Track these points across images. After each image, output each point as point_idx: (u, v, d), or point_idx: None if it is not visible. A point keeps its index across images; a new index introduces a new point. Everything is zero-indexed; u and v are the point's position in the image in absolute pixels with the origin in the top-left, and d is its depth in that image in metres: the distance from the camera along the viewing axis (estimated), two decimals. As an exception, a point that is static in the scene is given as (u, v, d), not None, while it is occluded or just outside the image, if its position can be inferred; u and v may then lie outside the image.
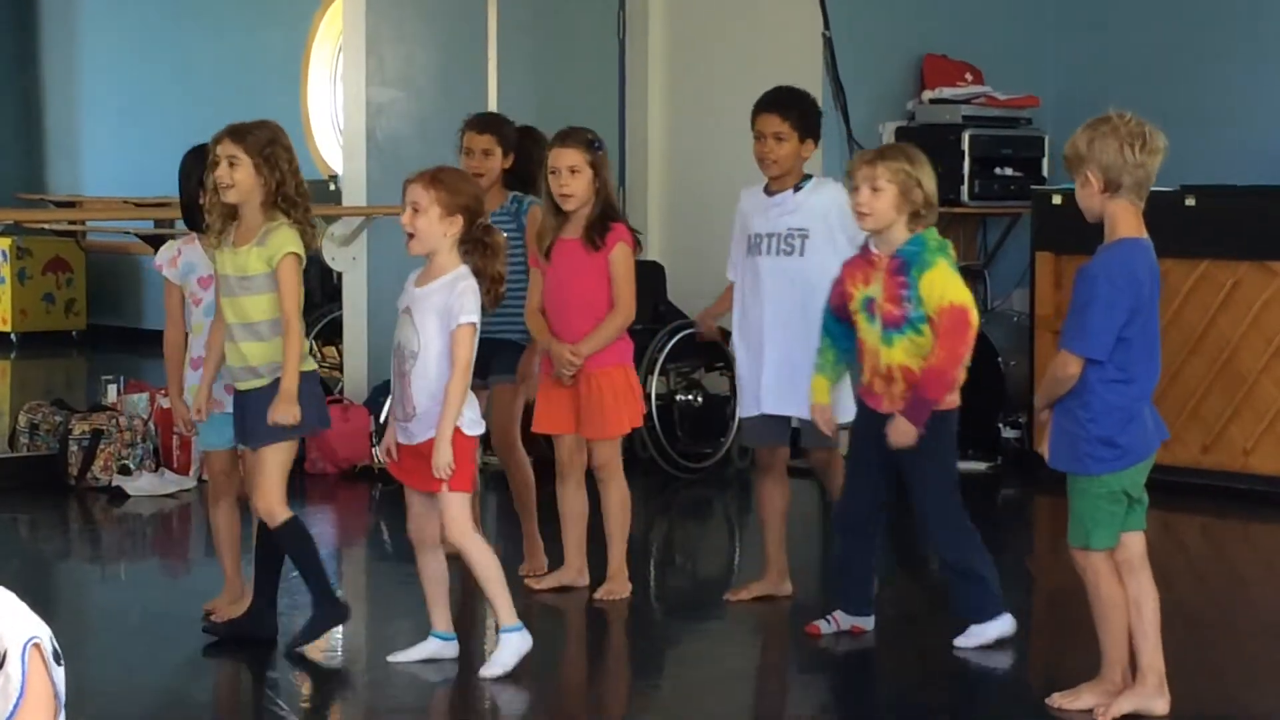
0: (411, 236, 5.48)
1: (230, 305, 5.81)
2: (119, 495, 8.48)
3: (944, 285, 5.59)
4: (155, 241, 12.98)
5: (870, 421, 5.77)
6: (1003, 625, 5.90)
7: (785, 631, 6.22)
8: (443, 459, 5.39)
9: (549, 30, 10.18)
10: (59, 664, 2.34)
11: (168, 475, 8.72)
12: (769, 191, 6.37)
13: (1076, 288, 4.94)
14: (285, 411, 5.70)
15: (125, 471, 8.65)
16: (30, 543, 7.85)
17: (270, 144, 5.78)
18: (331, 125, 13.36)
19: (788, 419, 6.36)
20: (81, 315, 15.03)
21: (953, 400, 5.73)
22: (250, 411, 5.82)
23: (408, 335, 5.48)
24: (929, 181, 5.68)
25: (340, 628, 6.02)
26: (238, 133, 5.78)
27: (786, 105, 6.36)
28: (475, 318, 5.44)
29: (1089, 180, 4.92)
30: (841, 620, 5.98)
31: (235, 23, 14.10)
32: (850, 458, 6.01)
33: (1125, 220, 4.91)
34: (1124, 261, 4.90)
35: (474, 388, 5.89)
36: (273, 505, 5.81)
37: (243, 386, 5.85)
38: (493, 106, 9.79)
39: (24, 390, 11.76)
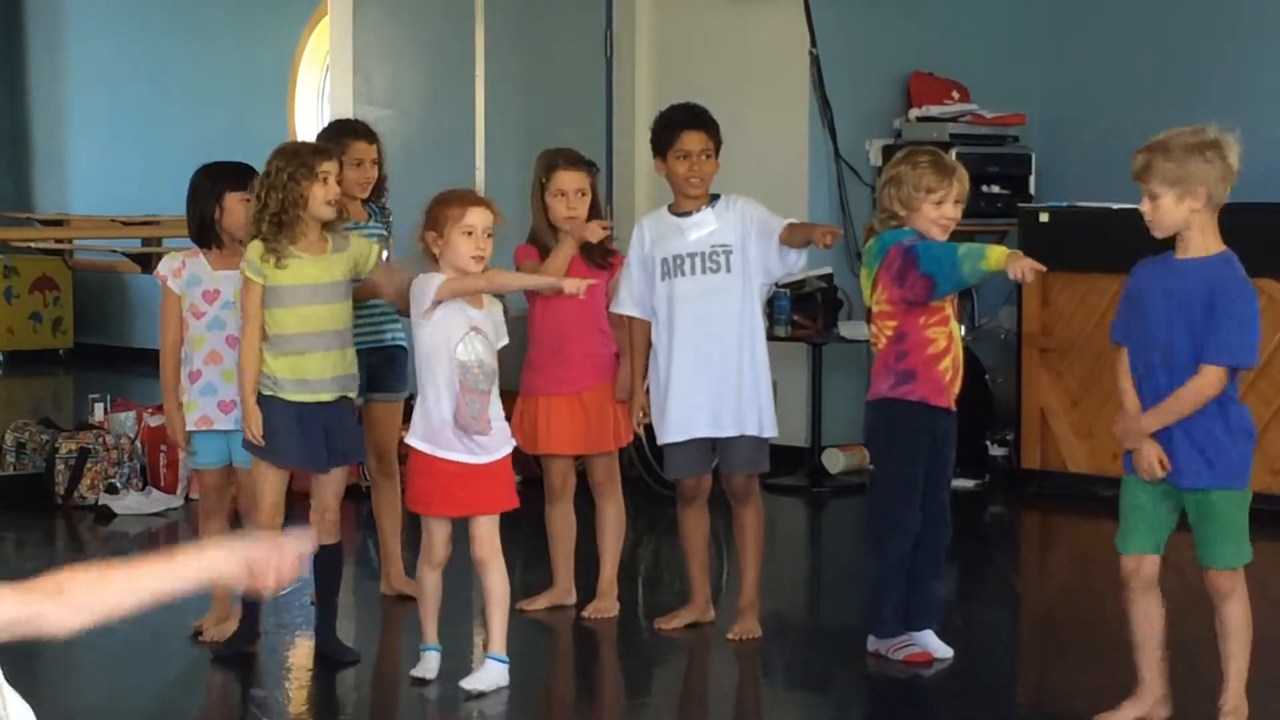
0: (482, 260, 5.56)
1: (325, 313, 5.76)
2: (105, 514, 8.47)
3: None
4: (143, 260, 12.99)
5: (935, 429, 5.80)
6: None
7: (769, 650, 6.22)
8: None
9: (536, 50, 10.19)
10: None
11: (154, 494, 8.71)
12: (678, 212, 6.27)
13: (1224, 300, 4.85)
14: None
15: (112, 490, 8.64)
16: (16, 562, 7.83)
17: None
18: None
19: (712, 446, 6.27)
20: (68, 334, 15.02)
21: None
22: (336, 426, 5.80)
23: (487, 355, 5.54)
24: None
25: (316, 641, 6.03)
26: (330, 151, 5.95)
27: (709, 122, 6.28)
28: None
29: (1188, 195, 4.85)
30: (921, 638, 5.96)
31: (222, 42, 14.10)
32: (910, 473, 5.86)
33: (1214, 232, 4.93)
34: (1243, 271, 4.90)
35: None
36: (338, 522, 5.88)
37: (326, 397, 5.79)
38: (480, 126, 9.80)
39: (11, 409, 11.74)
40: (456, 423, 5.51)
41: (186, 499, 8.66)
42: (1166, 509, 4.99)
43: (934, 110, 9.74)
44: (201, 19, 14.25)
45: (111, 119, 14.93)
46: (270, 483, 5.84)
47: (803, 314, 9.26)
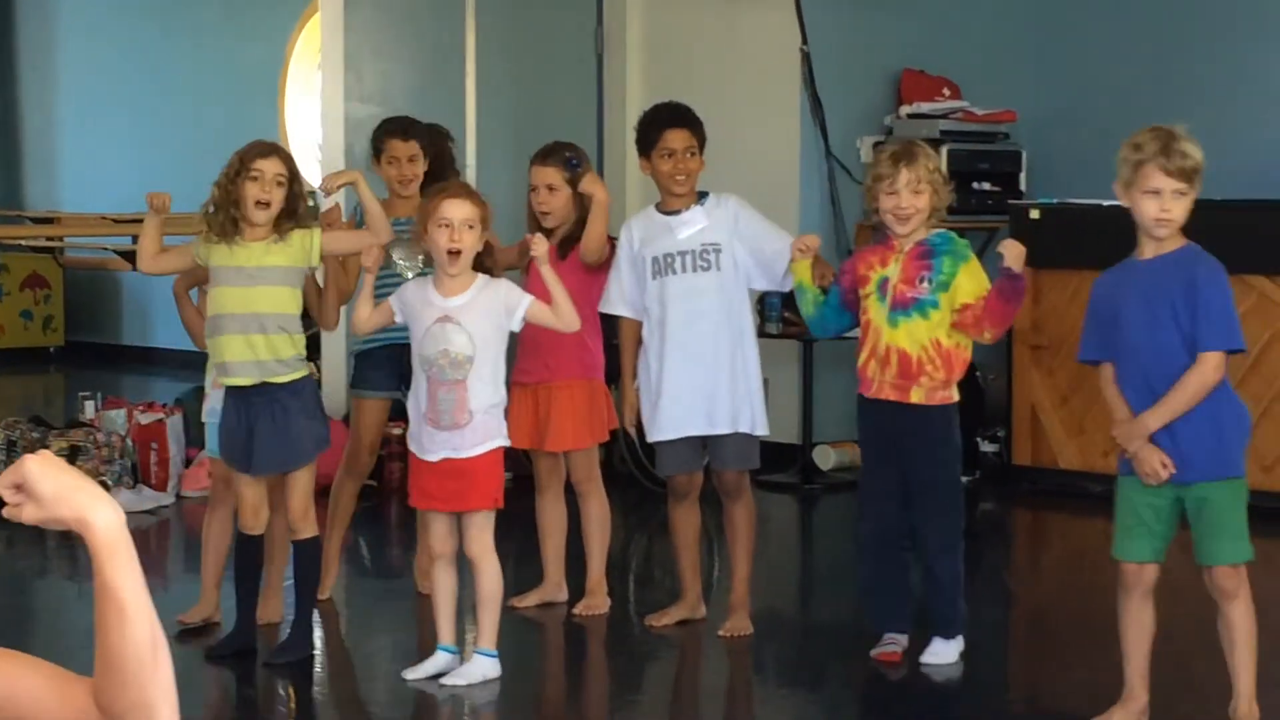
0: (458, 254, 5.49)
1: (261, 295, 5.74)
2: (97, 512, 8.45)
3: (984, 278, 5.80)
4: (133, 258, 12.95)
5: (882, 425, 5.78)
6: (959, 646, 5.87)
7: (761, 647, 6.22)
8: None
9: (527, 46, 10.18)
10: None
11: (145, 492, 8.71)
12: (666, 211, 6.28)
13: (1207, 289, 4.85)
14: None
15: (103, 488, 8.62)
16: (7, 560, 7.82)
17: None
18: (310, 141, 13.37)
19: (703, 444, 6.26)
20: (59, 331, 15.00)
21: (949, 396, 5.77)
22: (277, 431, 5.75)
23: (456, 342, 5.49)
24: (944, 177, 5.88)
25: (319, 641, 6.03)
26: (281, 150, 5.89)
27: (692, 120, 6.29)
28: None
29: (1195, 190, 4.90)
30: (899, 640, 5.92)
31: (214, 39, 14.09)
32: (866, 473, 5.92)
33: None
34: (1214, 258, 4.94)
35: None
36: (310, 519, 5.84)
37: (244, 381, 5.75)
38: (471, 122, 9.80)
39: (1, 407, 11.71)
40: (428, 418, 5.52)
41: (178, 496, 8.66)
42: (1166, 513, 4.90)
43: (925, 107, 9.75)
44: (193, 16, 14.23)
45: (102, 116, 14.91)
46: (240, 480, 5.88)
47: (794, 311, 9.25)
